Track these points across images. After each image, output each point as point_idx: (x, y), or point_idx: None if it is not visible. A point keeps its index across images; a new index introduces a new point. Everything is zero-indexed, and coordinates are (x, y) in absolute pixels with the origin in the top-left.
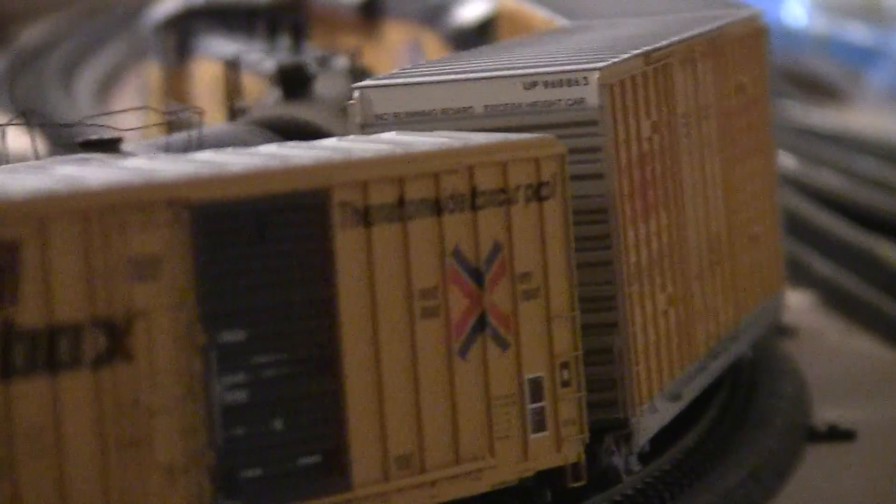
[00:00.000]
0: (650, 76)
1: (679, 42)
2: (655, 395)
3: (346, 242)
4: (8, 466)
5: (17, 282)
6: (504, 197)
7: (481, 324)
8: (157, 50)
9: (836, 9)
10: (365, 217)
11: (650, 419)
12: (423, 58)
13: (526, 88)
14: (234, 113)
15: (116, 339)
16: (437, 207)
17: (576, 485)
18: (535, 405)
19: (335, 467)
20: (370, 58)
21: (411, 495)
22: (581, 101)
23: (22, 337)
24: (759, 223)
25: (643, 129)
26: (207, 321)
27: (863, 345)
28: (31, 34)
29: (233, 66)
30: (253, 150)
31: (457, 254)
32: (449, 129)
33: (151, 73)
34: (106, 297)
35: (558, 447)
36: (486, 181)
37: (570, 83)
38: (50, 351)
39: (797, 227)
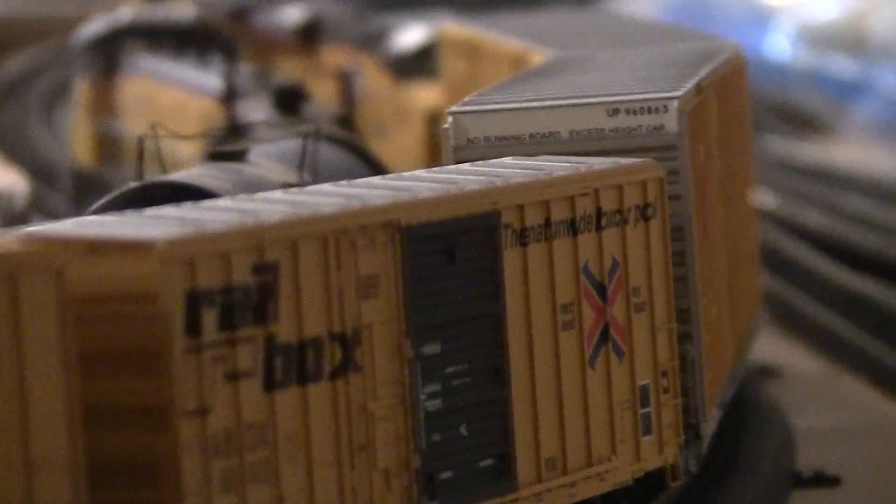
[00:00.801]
0: (700, 105)
1: (711, 73)
2: (715, 403)
3: (510, 261)
4: (273, 470)
5: (278, 300)
6: (620, 217)
7: (605, 335)
8: (85, 66)
9: (821, 41)
10: (522, 237)
11: (710, 425)
12: (360, 82)
13: (609, 115)
14: (344, 122)
15: (348, 352)
16: (573, 227)
17: (673, 484)
18: (644, 410)
19: (504, 469)
20: (308, 81)
21: (556, 495)
22: (661, 126)
23: (281, 351)
24: (749, 247)
25: (699, 154)
26: (414, 335)
27: (848, 387)
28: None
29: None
30: (423, 174)
31: (586, 271)
32: (536, 152)
33: (80, 88)
34: (340, 314)
35: (661, 449)
36: (609, 203)
37: (650, 110)
38: (300, 363)
39: (781, 265)
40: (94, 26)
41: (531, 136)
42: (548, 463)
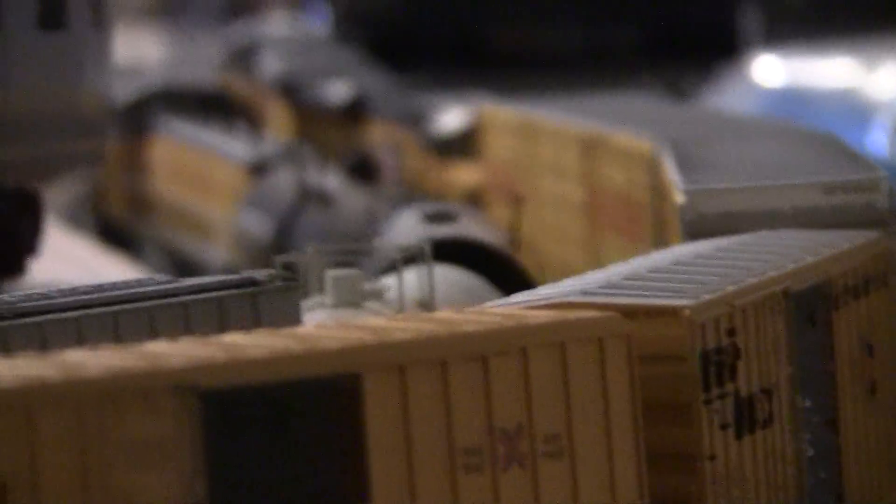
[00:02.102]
0: None
1: None
2: None
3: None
4: None
5: (740, 360)
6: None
7: (872, 390)
8: (119, 128)
9: None
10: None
11: None
12: (401, 160)
13: (826, 193)
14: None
15: (770, 407)
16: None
17: None
18: None
19: None
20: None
21: None
22: (872, 204)
23: (741, 404)
24: None
25: None
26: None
27: None
28: None
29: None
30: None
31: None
32: (761, 228)
33: (114, 147)
34: (768, 370)
35: None
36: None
37: (862, 189)
38: (750, 415)
39: None
40: (126, 92)
41: (757, 212)
42: None
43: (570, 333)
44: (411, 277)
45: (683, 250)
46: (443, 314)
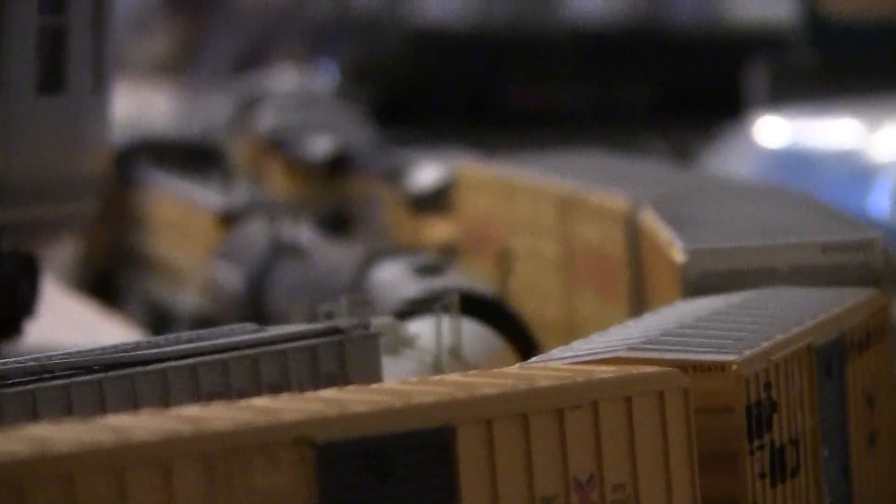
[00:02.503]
0: None
1: None
2: None
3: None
4: None
5: (774, 412)
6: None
7: (872, 439)
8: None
9: None
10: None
11: None
12: (381, 214)
13: (823, 252)
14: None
15: (801, 455)
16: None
17: None
18: None
19: None
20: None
21: None
22: (868, 263)
23: (775, 454)
24: None
25: None
26: None
27: None
28: None
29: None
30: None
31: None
32: (759, 286)
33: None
34: (793, 422)
35: None
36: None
37: (857, 248)
38: (782, 464)
39: None
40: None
41: (756, 270)
42: None
43: (636, 387)
44: (427, 327)
45: (693, 307)
46: (516, 370)
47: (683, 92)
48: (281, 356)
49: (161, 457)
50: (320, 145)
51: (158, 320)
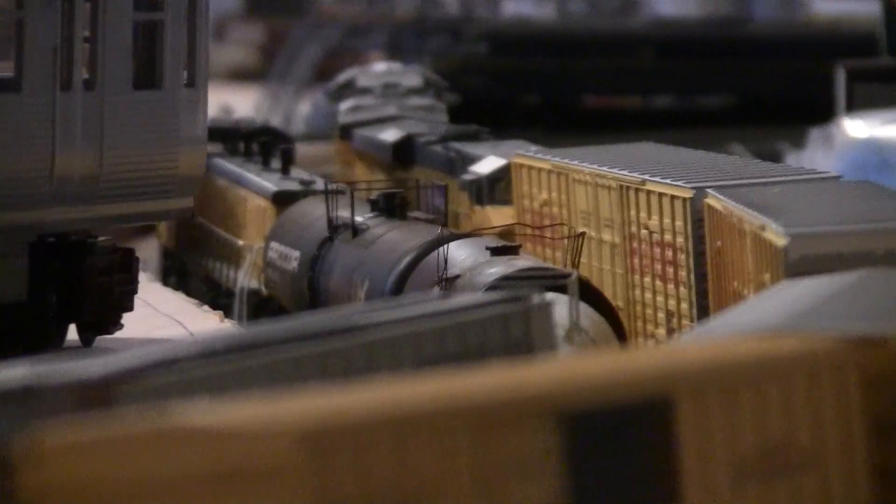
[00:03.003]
0: None
1: None
2: None
3: None
4: None
5: None
6: None
7: None
8: None
9: None
10: None
11: None
12: (445, 200)
13: None
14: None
15: None
16: None
17: None
18: None
19: None
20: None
21: None
22: None
23: None
24: None
25: None
26: None
27: None
28: None
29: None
30: None
31: None
32: (856, 267)
33: None
34: None
35: None
36: None
37: None
38: None
39: None
40: None
41: (854, 253)
42: None
43: (821, 360)
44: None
45: (807, 287)
46: (710, 345)
47: (765, 96)
48: (481, 324)
49: (441, 426)
50: (387, 135)
51: (217, 299)
